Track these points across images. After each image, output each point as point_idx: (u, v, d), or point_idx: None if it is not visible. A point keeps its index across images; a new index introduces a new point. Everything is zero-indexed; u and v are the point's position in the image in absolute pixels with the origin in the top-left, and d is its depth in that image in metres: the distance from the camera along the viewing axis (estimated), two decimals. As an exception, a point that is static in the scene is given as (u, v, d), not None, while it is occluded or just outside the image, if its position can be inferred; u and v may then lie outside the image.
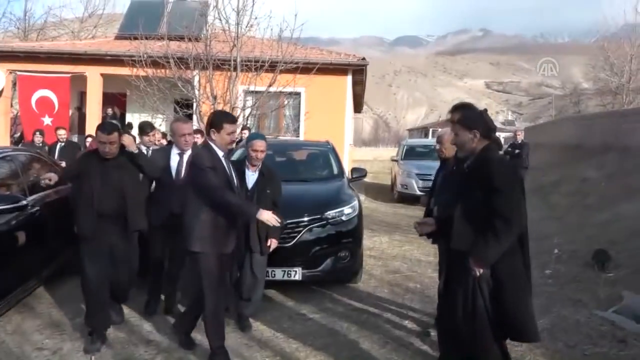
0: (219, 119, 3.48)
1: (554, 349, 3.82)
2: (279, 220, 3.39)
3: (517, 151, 10.62)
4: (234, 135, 3.51)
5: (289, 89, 10.93)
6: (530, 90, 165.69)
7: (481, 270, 2.63)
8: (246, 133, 8.33)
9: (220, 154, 3.43)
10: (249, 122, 10.87)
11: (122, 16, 15.38)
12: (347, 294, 5.05)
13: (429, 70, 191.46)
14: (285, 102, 12.29)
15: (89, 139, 9.65)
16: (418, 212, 6.76)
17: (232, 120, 3.54)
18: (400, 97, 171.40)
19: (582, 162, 12.54)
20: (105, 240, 3.69)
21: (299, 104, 12.77)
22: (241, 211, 3.44)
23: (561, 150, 15.50)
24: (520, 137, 11.00)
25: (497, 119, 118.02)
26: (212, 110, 10.21)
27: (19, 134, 12.84)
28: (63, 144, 9.23)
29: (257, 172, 4.09)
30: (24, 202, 4.04)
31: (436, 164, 13.45)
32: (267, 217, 3.32)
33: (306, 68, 11.00)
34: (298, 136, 12.54)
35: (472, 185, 2.72)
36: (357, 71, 13.15)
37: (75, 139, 12.33)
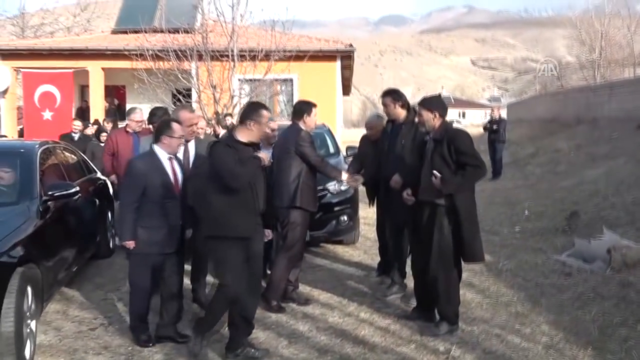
0: (309, 107, 4.30)
1: (513, 282, 4.80)
2: None
3: (495, 126, 11.57)
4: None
5: (282, 76, 11.77)
6: (516, 66, 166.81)
7: (438, 181, 3.55)
8: (229, 119, 9.00)
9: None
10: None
11: (114, 7, 15.92)
12: (347, 252, 6.03)
13: (414, 49, 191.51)
14: (280, 89, 13.09)
15: (95, 126, 10.17)
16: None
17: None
18: (386, 77, 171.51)
19: (555, 135, 13.55)
20: None
21: (292, 90, 13.57)
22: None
23: (539, 124, 16.52)
24: (498, 113, 11.93)
25: (484, 96, 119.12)
26: (212, 99, 11.12)
27: (20, 127, 13.41)
28: (77, 135, 9.12)
29: (271, 149, 4.65)
30: (76, 189, 4.29)
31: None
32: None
33: (298, 56, 11.79)
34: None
35: (437, 151, 3.65)
36: (345, 57, 13.97)
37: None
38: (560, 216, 6.93)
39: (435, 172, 3.58)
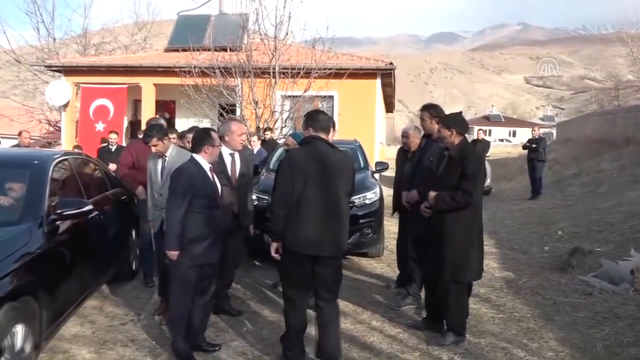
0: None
1: (531, 300, 4.81)
2: None
3: (534, 145, 11.40)
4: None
5: (322, 93, 12.11)
6: (572, 84, 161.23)
7: (431, 197, 3.77)
8: (268, 134, 9.49)
9: None
10: (287, 124, 12.07)
11: (168, 26, 16.83)
12: (371, 264, 6.18)
13: (465, 67, 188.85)
14: (319, 105, 13.40)
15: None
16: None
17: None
18: (436, 94, 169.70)
19: (601, 155, 13.15)
20: None
21: (332, 106, 13.87)
22: None
23: (586, 144, 16.06)
24: (538, 133, 11.75)
25: (537, 115, 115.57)
26: (254, 114, 11.58)
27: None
28: (114, 147, 9.37)
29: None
30: (90, 207, 3.82)
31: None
32: None
33: (338, 73, 12.09)
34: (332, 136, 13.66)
35: (450, 167, 3.78)
36: (386, 75, 14.17)
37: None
38: (591, 237, 6.81)
39: (431, 192, 3.77)
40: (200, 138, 3.70)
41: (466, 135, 3.90)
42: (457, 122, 3.88)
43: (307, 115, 3.62)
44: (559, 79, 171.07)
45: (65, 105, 14.17)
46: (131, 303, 4.80)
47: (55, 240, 3.54)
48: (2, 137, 13.36)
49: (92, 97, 13.85)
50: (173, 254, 3.49)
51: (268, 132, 9.75)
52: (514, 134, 64.76)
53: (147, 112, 14.26)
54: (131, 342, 3.93)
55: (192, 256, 3.49)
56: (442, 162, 3.92)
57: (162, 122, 5.26)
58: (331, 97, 13.63)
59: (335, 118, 13.64)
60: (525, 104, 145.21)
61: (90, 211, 3.86)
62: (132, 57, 15.44)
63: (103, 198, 4.88)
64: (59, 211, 3.55)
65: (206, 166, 3.65)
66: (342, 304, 4.65)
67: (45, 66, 15.17)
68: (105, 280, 4.81)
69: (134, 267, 5.58)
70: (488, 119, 71.79)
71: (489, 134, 67.88)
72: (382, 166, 7.24)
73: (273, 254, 3.42)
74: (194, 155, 3.68)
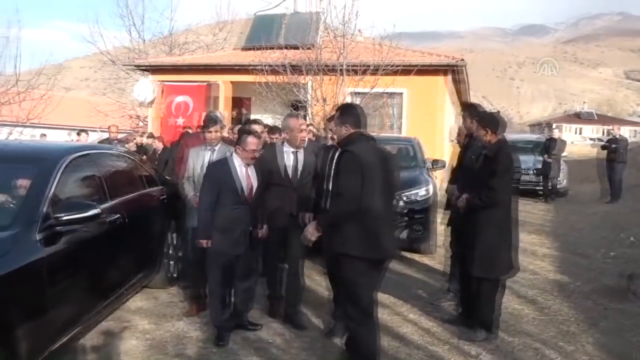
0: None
1: (579, 304, 4.69)
2: None
3: (614, 146, 10.75)
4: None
5: (391, 90, 12.19)
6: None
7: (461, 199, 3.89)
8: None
9: None
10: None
11: (247, 27, 17.56)
12: (422, 259, 6.26)
13: (556, 61, 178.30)
14: (388, 102, 13.45)
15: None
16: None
17: None
18: (524, 90, 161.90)
19: (694, 157, 12.09)
20: None
21: (401, 103, 13.87)
22: None
23: (680, 145, 14.75)
24: (618, 133, 11.06)
25: (637, 112, 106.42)
26: (322, 111, 11.89)
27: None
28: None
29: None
30: (96, 211, 3.22)
31: (533, 158, 13.95)
32: None
33: (406, 70, 12.09)
34: (400, 133, 13.67)
35: (485, 166, 3.82)
36: (458, 70, 13.92)
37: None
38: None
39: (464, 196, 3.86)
40: (238, 138, 3.91)
41: (503, 134, 3.92)
42: (491, 121, 3.91)
43: (343, 110, 3.31)
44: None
45: (151, 102, 15.30)
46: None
47: (53, 251, 2.95)
48: (101, 131, 14.63)
49: (174, 94, 14.87)
50: (202, 243, 3.79)
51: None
52: (608, 133, 60.33)
53: (224, 108, 15.08)
54: (185, 317, 4.34)
55: (219, 246, 3.76)
56: (479, 161, 3.97)
57: (219, 115, 5.33)
58: (400, 94, 13.65)
59: (403, 115, 13.78)
60: (623, 100, 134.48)
61: (94, 216, 3.21)
62: (210, 56, 16.33)
63: (132, 199, 4.29)
64: (56, 215, 3.02)
65: (238, 164, 3.81)
66: (383, 297, 4.80)
67: (135, 66, 16.46)
68: (132, 291, 4.23)
69: (172, 274, 5.06)
70: (579, 117, 67.47)
71: (580, 133, 63.79)
72: (438, 164, 7.25)
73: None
74: (234, 152, 3.90)
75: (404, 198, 6.03)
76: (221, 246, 3.76)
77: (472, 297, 3.92)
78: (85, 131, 12.13)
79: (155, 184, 5.00)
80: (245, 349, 3.70)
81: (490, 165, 3.76)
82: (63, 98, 17.07)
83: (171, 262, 5.05)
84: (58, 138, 13.72)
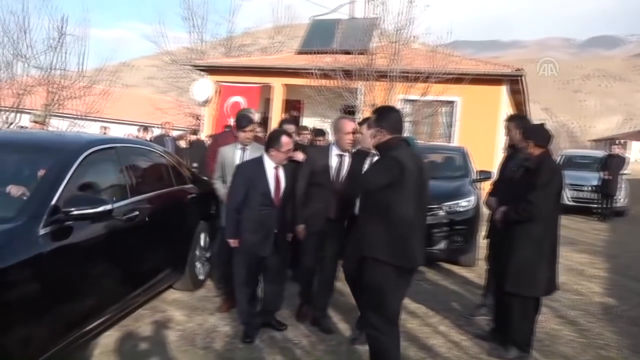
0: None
1: (623, 329, 4.45)
2: None
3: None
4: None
5: (444, 98, 12.00)
6: None
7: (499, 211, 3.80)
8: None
9: None
10: (406, 127, 12.17)
11: (303, 29, 17.80)
12: (461, 272, 6.12)
13: (626, 74, 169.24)
14: (439, 110, 13.24)
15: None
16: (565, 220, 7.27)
17: None
18: (589, 104, 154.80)
19: None
20: None
21: (454, 112, 13.60)
22: None
23: None
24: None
25: None
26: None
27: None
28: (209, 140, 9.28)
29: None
30: (108, 207, 3.15)
31: (591, 175, 13.45)
32: None
33: (460, 78, 11.86)
34: (450, 142, 13.42)
35: (525, 178, 3.69)
36: (515, 81, 13.52)
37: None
38: None
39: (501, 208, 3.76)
40: (270, 140, 3.84)
41: (548, 147, 3.77)
42: (536, 133, 3.78)
43: (381, 113, 3.15)
44: None
45: (207, 101, 15.77)
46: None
47: (58, 246, 2.84)
48: (157, 127, 15.23)
49: (229, 94, 15.28)
50: (231, 242, 3.84)
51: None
52: (680, 152, 56.56)
53: (276, 110, 15.34)
54: (217, 312, 4.44)
55: (245, 246, 3.79)
56: (519, 173, 3.84)
57: (252, 113, 5.03)
58: (452, 103, 13.40)
59: (456, 124, 13.50)
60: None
61: (105, 212, 3.12)
62: (265, 59, 16.67)
63: (155, 196, 4.17)
64: (65, 210, 2.90)
65: (269, 166, 3.78)
66: (416, 306, 4.76)
67: (193, 66, 17.04)
68: (153, 292, 4.17)
69: (201, 276, 4.96)
70: (648, 133, 63.66)
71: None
72: (485, 175, 7.05)
73: None
74: (265, 153, 3.84)
75: (445, 208, 5.91)
76: (247, 246, 3.80)
77: (505, 313, 3.79)
78: (149, 127, 12.66)
79: (185, 182, 4.88)
80: (271, 347, 3.75)
81: (531, 178, 3.63)
82: (123, 95, 17.88)
83: (198, 264, 4.88)
84: (121, 133, 14.31)
